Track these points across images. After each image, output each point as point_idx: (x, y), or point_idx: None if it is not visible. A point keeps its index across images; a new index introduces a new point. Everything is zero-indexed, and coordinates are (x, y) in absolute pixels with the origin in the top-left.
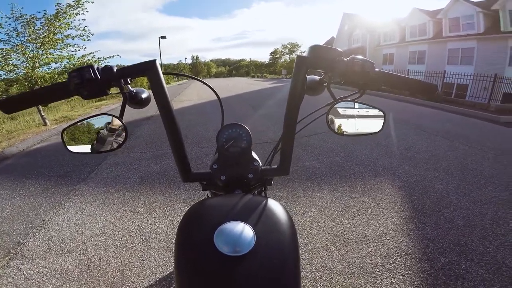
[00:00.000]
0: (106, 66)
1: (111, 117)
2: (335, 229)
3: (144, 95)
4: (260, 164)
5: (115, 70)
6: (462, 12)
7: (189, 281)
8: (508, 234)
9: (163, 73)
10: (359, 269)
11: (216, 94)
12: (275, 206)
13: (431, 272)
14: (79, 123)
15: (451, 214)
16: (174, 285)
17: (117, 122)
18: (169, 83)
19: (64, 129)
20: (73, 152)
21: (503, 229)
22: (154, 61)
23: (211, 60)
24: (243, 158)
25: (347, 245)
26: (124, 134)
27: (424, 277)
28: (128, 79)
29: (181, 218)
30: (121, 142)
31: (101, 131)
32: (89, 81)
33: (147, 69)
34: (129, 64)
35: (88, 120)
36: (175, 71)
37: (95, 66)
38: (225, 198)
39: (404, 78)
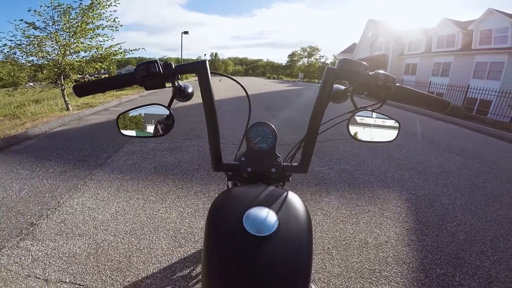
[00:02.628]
0: (166, 62)
1: (160, 106)
2: (338, 234)
3: (189, 90)
4: (282, 161)
5: (173, 67)
6: (496, 24)
7: (221, 256)
8: (507, 251)
9: (211, 72)
10: (357, 274)
11: (247, 93)
12: (295, 197)
13: (425, 281)
14: (132, 111)
15: (454, 228)
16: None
17: (165, 112)
18: (187, 78)
19: (119, 115)
20: (124, 134)
21: (502, 245)
22: (204, 62)
23: (229, 58)
24: (268, 153)
25: (348, 250)
26: (170, 122)
27: (417, 286)
28: (179, 75)
29: (202, 200)
30: (167, 129)
31: (150, 118)
32: (154, 74)
33: (198, 67)
34: (152, 57)
35: (140, 108)
36: None
37: (158, 61)
38: (251, 188)
39: (421, 94)
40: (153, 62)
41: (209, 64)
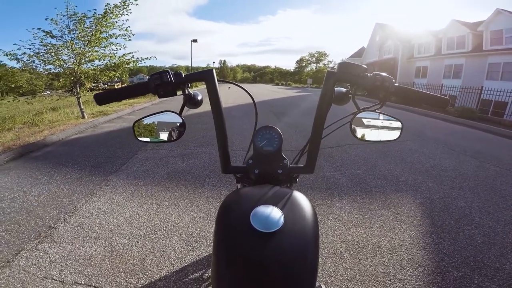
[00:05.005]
0: (177, 71)
1: (172, 113)
2: (350, 238)
3: (199, 98)
4: (289, 162)
5: (183, 76)
6: (505, 24)
7: (229, 251)
8: None
9: (218, 80)
10: (370, 277)
11: (253, 99)
12: (300, 196)
13: (442, 284)
14: (146, 118)
15: (472, 231)
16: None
17: (176, 118)
18: (197, 86)
19: (135, 122)
20: (140, 140)
21: None
22: (211, 70)
23: (237, 66)
24: (274, 156)
25: (361, 253)
26: (182, 128)
27: None
28: (189, 84)
29: (214, 205)
30: (179, 135)
31: (163, 124)
32: (166, 83)
33: (206, 76)
34: (162, 65)
35: (153, 115)
36: None
37: (170, 71)
38: (258, 188)
39: (419, 92)
40: (165, 72)
41: (218, 72)
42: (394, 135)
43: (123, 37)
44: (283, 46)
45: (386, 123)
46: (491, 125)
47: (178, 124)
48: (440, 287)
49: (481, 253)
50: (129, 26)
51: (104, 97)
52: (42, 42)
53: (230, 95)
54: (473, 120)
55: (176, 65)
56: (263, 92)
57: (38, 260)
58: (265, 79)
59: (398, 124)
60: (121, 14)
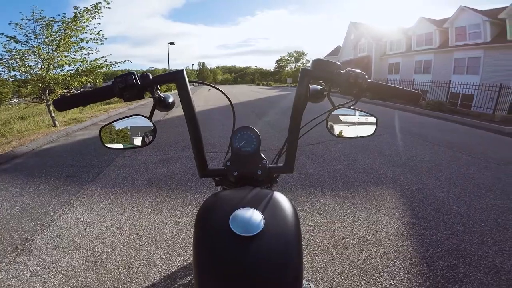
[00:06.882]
0: (143, 73)
1: (141, 117)
2: (336, 233)
3: (170, 100)
4: (268, 162)
5: (151, 77)
6: (468, 21)
7: (208, 257)
8: (508, 240)
9: (189, 81)
10: (359, 271)
11: (229, 100)
12: (280, 197)
13: (430, 275)
14: (114, 123)
15: (451, 220)
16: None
17: (146, 122)
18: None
19: (102, 128)
20: (108, 147)
21: (502, 235)
22: (182, 71)
23: (217, 67)
24: (253, 157)
25: (348, 248)
26: (152, 133)
27: (422, 280)
28: (158, 86)
29: (197, 209)
30: (150, 139)
31: (133, 129)
32: (131, 86)
33: (176, 77)
34: (138, 69)
35: (121, 120)
36: None
37: (136, 73)
38: (237, 190)
39: (391, 87)
40: (130, 74)
41: (197, 74)
42: (370, 130)
43: (95, 41)
44: (262, 47)
45: (362, 119)
46: (460, 116)
47: (149, 128)
48: (429, 277)
49: (463, 242)
50: (101, 30)
51: (65, 102)
52: (5, 47)
53: (211, 98)
54: (444, 113)
55: (153, 68)
56: (245, 92)
57: (18, 273)
58: (246, 80)
59: (373, 119)
60: (93, 18)
